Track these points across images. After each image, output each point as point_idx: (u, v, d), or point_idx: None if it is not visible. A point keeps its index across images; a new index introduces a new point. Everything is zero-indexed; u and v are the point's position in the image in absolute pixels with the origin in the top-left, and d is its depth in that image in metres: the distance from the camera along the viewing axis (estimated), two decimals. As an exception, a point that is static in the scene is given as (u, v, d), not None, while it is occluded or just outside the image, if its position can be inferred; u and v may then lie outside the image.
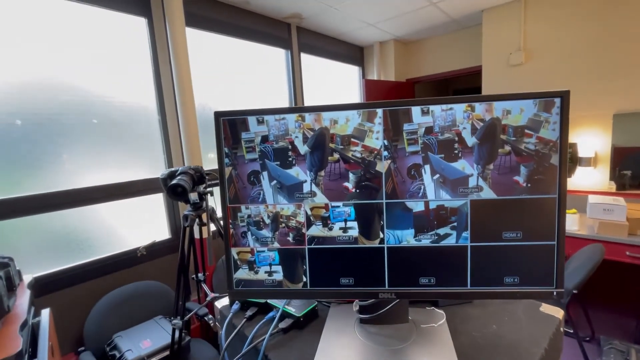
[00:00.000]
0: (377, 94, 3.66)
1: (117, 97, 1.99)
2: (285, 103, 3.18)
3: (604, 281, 2.59)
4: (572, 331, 1.97)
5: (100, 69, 1.91)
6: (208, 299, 1.65)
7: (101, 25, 1.92)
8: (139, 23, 2.08)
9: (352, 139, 0.55)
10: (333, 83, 3.75)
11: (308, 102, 3.33)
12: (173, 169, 1.44)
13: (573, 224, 2.36)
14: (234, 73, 2.68)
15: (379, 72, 3.85)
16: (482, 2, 2.82)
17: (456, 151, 0.53)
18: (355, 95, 4.04)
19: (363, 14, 2.90)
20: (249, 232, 0.59)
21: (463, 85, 5.28)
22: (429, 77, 3.85)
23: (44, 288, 1.68)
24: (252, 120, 0.57)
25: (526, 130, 0.52)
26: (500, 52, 2.97)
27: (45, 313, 1.34)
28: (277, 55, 3.06)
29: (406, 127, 0.54)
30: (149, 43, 2.11)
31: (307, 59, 3.31)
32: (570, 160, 2.66)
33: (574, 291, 1.80)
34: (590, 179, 2.65)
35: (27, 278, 1.43)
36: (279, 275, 0.59)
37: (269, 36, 2.89)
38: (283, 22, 2.99)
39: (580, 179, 2.69)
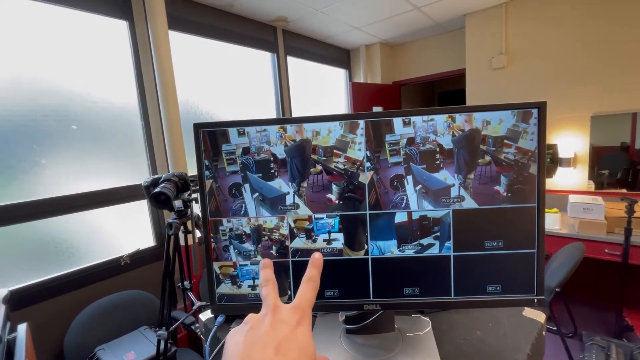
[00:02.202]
0: (364, 96, 3.69)
1: (98, 102, 1.93)
2: (272, 106, 3.16)
3: (585, 278, 2.67)
4: (555, 328, 2.02)
5: (81, 72, 1.86)
6: (194, 307, 1.62)
7: (81, 27, 1.86)
8: (120, 26, 2.03)
9: (335, 150, 0.55)
10: (320, 86, 3.75)
11: (295, 105, 3.32)
12: (156, 176, 1.40)
13: (555, 223, 2.43)
14: (220, 77, 2.65)
15: (366, 74, 3.87)
16: (464, 6, 2.88)
17: (438, 162, 0.54)
18: (342, 98, 4.05)
19: (349, 17, 2.92)
20: (231, 246, 0.57)
21: (448, 87, 5.36)
22: (415, 80, 3.90)
23: (21, 302, 1.61)
24: (232, 132, 0.55)
25: (505, 141, 0.53)
26: (483, 56, 3.03)
27: (22, 328, 1.29)
28: (263, 59, 3.04)
29: (388, 138, 0.54)
30: (130, 46, 2.06)
31: (293, 62, 3.30)
32: (551, 161, 2.74)
33: (557, 289, 1.85)
34: (570, 178, 2.73)
35: (2, 292, 1.37)
36: (262, 289, 0.58)
37: (254, 39, 2.87)
38: (269, 25, 2.98)
39: (561, 179, 2.77)
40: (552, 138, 2.76)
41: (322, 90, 3.79)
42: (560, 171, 2.74)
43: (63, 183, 1.79)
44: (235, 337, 0.28)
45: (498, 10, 2.88)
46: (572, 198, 2.44)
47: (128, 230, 2.09)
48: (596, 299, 2.64)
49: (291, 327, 0.28)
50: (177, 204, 1.48)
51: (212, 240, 0.57)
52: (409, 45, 3.84)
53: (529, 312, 0.74)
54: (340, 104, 4.03)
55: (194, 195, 1.52)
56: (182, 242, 1.62)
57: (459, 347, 0.64)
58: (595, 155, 2.61)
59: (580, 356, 1.84)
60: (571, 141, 2.69)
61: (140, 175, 2.11)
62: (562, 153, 2.70)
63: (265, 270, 0.35)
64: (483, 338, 0.66)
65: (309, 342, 0.28)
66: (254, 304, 0.58)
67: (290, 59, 3.24)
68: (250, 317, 0.30)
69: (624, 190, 2.50)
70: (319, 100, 3.72)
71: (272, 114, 3.16)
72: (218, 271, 0.58)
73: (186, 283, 1.68)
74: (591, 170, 2.64)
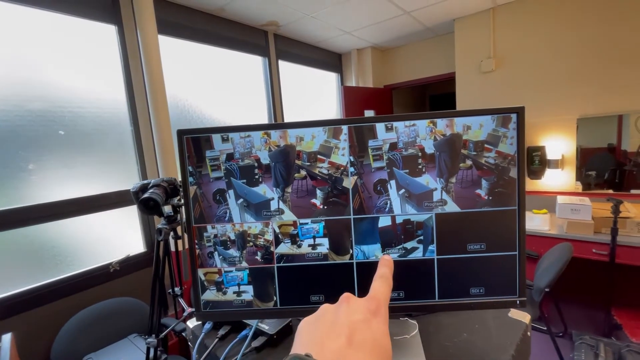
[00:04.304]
0: (356, 100, 3.71)
1: (86, 107, 1.91)
2: (263, 110, 3.16)
3: (574, 278, 2.71)
4: (545, 328, 2.04)
5: (69, 77, 1.84)
6: (185, 314, 1.60)
7: (69, 32, 1.85)
8: (109, 30, 2.02)
9: (319, 156, 0.55)
10: (312, 90, 3.76)
11: (287, 109, 3.32)
12: (145, 182, 1.39)
13: (544, 224, 2.46)
14: (212, 81, 2.64)
15: (357, 78, 3.90)
16: (453, 11, 2.92)
17: (420, 166, 0.54)
18: (333, 102, 4.07)
19: (339, 22, 2.94)
20: (216, 252, 0.57)
21: (439, 91, 5.42)
22: (406, 83, 3.94)
23: (6, 311, 1.57)
24: (216, 138, 0.56)
25: (486, 145, 0.54)
26: (472, 60, 3.08)
27: (7, 338, 1.26)
28: (254, 63, 3.04)
29: (371, 143, 0.55)
30: (119, 51, 2.04)
31: (285, 66, 3.31)
32: (539, 162, 2.78)
33: (546, 289, 1.87)
34: (558, 180, 2.78)
35: (-14, 302, 1.34)
36: (248, 295, 0.58)
37: (245, 43, 2.88)
38: (260, 29, 2.98)
39: (549, 180, 2.81)
40: (539, 140, 2.81)
41: (313, 94, 3.80)
42: (549, 172, 2.79)
43: (51, 189, 1.76)
44: (308, 326, 0.28)
45: (486, 15, 2.93)
46: (560, 199, 2.48)
47: (117, 237, 2.07)
48: (585, 298, 2.68)
49: (365, 318, 0.27)
50: (167, 209, 1.47)
51: (196, 246, 0.57)
52: (400, 49, 3.88)
53: (514, 314, 0.75)
54: (332, 107, 4.05)
55: (183, 201, 1.51)
56: (172, 248, 1.61)
57: (446, 349, 0.64)
58: (583, 156, 2.66)
59: (570, 355, 1.86)
60: (558, 143, 2.74)
61: (130, 181, 2.09)
62: (550, 155, 2.75)
63: None
64: (469, 340, 0.67)
65: (384, 336, 0.26)
66: (240, 311, 0.58)
67: (281, 63, 3.25)
68: (325, 306, 0.30)
69: (611, 191, 2.54)
70: (311, 104, 3.73)
71: (264, 118, 3.16)
72: (203, 278, 0.58)
73: (177, 289, 1.66)
74: (579, 172, 2.68)
